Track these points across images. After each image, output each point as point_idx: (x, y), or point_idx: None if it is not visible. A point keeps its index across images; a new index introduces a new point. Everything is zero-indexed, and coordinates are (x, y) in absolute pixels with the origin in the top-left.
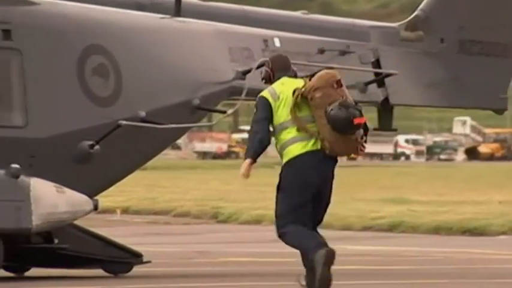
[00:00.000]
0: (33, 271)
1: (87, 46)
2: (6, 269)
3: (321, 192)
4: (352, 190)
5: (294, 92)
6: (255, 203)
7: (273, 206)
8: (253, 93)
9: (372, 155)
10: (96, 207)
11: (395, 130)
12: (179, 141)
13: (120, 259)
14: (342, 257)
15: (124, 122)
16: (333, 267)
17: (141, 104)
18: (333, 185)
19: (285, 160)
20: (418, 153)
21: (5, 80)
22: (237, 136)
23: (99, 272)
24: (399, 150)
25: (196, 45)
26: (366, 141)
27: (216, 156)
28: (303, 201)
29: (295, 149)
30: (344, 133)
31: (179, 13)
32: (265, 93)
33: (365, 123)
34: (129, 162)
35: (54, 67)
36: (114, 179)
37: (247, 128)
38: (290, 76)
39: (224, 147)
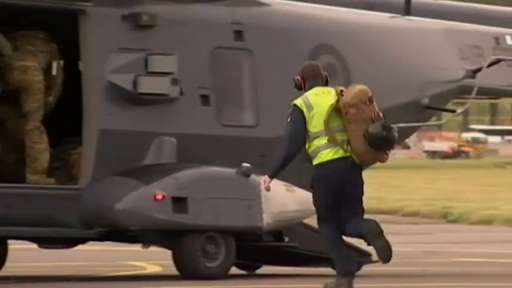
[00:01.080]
0: (263, 269)
1: (316, 46)
2: (238, 266)
3: (348, 195)
4: None
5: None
6: (485, 203)
7: (505, 206)
8: (484, 92)
9: None
10: None
11: None
12: (408, 141)
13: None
14: None
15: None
16: None
17: None
18: (363, 188)
19: (315, 163)
20: None
21: (237, 80)
22: (466, 135)
23: (328, 270)
24: None
25: (425, 43)
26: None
27: (446, 155)
28: (330, 202)
29: (326, 155)
30: (380, 151)
31: (409, 12)
32: (299, 103)
33: None
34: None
35: (284, 67)
36: None
37: (478, 127)
38: (320, 84)
39: (455, 146)
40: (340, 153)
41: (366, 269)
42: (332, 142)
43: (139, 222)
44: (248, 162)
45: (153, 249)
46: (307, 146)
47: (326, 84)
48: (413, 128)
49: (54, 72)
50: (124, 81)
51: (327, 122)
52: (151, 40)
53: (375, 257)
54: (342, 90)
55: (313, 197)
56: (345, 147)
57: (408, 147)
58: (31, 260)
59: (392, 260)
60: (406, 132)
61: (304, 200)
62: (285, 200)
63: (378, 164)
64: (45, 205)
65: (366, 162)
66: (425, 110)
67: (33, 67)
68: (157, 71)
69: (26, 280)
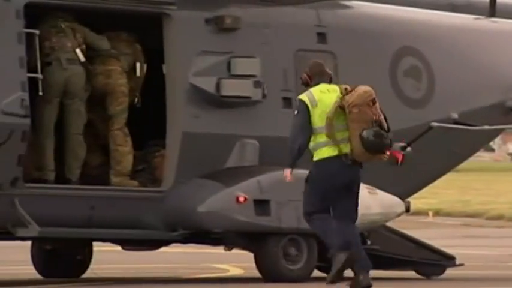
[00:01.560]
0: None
1: (399, 48)
2: (320, 269)
3: (348, 191)
4: None
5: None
6: None
7: None
8: None
9: None
10: (408, 209)
11: None
12: (493, 143)
13: (433, 261)
14: None
15: (436, 124)
16: None
17: (453, 106)
18: (359, 187)
19: (314, 159)
20: None
21: None
22: None
23: (411, 273)
24: None
25: (510, 45)
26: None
27: None
28: (328, 196)
29: (325, 152)
30: (373, 154)
31: (494, 13)
32: (304, 98)
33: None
34: (441, 164)
35: (367, 69)
36: (426, 181)
37: None
38: (326, 82)
39: None
40: (336, 151)
41: (449, 272)
42: (331, 140)
43: (222, 225)
44: None
45: (236, 251)
46: None
47: (330, 82)
48: (498, 131)
49: (137, 73)
50: (207, 84)
51: (330, 119)
52: (234, 43)
53: (458, 260)
54: (346, 89)
55: (306, 191)
56: (343, 145)
57: (493, 150)
58: (115, 262)
59: (477, 262)
60: (491, 135)
61: (387, 203)
62: (367, 202)
63: (462, 166)
64: (129, 207)
65: (363, 160)
66: (510, 113)
67: (116, 71)
68: (240, 74)
69: (110, 282)
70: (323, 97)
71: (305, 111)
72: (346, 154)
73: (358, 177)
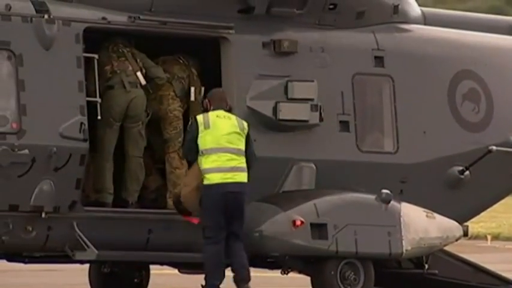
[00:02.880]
0: None
1: (458, 71)
2: None
3: None
4: None
5: None
6: None
7: None
8: None
9: None
10: (466, 233)
11: None
12: None
13: (491, 286)
14: None
15: (495, 148)
16: None
17: None
18: None
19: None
20: None
21: (377, 106)
22: None
23: None
24: None
25: None
26: None
27: None
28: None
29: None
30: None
31: None
32: (199, 118)
33: None
34: (499, 188)
35: (424, 93)
36: (484, 205)
37: None
38: (224, 109)
39: None
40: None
41: None
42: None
43: (278, 248)
44: (387, 189)
45: (293, 275)
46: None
47: (229, 111)
48: None
49: (192, 98)
50: (264, 107)
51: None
52: (292, 66)
53: None
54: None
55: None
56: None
57: None
58: (172, 285)
59: None
60: None
61: (445, 227)
62: (425, 226)
63: None
64: (186, 230)
65: None
66: None
67: (168, 96)
68: (298, 98)
69: None
70: (218, 122)
71: (195, 130)
72: None
73: None
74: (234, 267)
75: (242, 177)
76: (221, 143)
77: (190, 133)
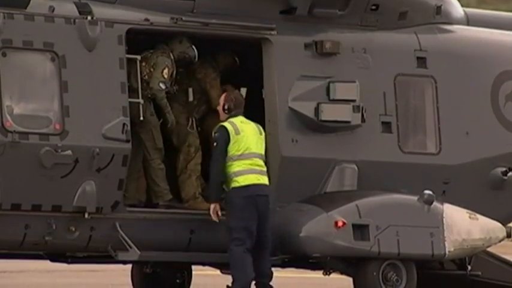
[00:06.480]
0: None
1: (501, 72)
2: None
3: None
4: None
5: None
6: None
7: None
8: None
9: None
10: (509, 235)
11: None
12: None
13: None
14: None
15: None
16: None
17: None
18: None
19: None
20: None
21: (419, 107)
22: None
23: None
24: None
25: None
26: None
27: None
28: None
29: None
30: None
31: None
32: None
33: None
34: None
35: (467, 94)
36: None
37: None
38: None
39: None
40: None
41: None
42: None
43: (320, 249)
44: (430, 190)
45: (334, 276)
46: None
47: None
48: None
49: (190, 98)
50: (306, 108)
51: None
52: (334, 67)
53: None
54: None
55: None
56: None
57: None
58: (213, 286)
59: None
60: None
61: (488, 228)
62: (468, 227)
63: None
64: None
65: None
66: None
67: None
68: (340, 99)
69: None
70: (244, 127)
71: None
72: None
73: None
74: (257, 275)
75: (267, 180)
76: (251, 148)
77: (221, 140)
